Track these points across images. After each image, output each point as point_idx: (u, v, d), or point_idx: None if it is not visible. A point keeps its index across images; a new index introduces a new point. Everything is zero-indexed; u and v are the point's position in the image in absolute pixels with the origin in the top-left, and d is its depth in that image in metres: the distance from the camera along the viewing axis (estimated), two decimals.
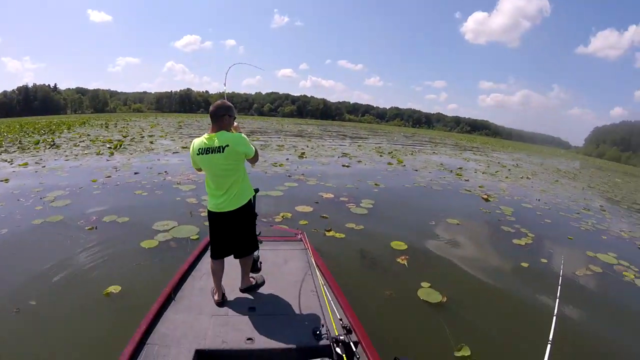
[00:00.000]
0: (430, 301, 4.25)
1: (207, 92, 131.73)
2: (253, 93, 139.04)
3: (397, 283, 4.59)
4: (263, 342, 2.61)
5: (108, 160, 12.56)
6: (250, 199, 3.11)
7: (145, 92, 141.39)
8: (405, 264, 5.18)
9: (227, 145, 2.79)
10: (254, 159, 3.08)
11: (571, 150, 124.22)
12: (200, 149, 2.86)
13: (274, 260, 3.85)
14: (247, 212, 3.09)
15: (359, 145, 25.00)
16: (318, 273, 3.39)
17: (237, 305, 3.06)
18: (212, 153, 2.82)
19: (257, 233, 3.35)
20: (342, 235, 5.74)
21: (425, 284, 4.59)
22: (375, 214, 7.51)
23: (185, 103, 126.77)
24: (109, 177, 9.47)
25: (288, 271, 3.68)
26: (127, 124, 39.06)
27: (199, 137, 2.95)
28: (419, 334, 3.72)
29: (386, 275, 4.77)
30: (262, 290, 3.31)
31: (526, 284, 5.39)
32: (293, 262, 3.88)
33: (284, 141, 23.94)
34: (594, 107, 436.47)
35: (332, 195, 8.40)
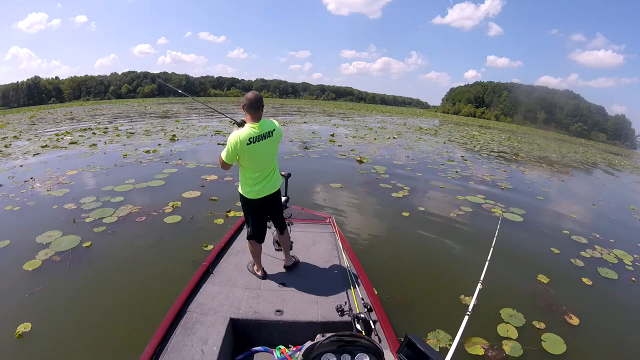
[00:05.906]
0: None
1: (57, 78, 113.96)
2: (108, 74, 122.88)
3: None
4: (291, 315, 3.01)
5: None
6: None
7: None
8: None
9: (274, 129, 3.22)
10: None
11: (430, 109, 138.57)
12: (251, 138, 3.06)
13: (303, 241, 4.29)
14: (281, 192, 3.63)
15: (230, 121, 24.67)
16: (344, 255, 3.85)
17: (269, 281, 3.51)
18: (264, 139, 3.13)
19: (289, 215, 4.13)
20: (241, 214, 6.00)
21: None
22: None
23: (34, 94, 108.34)
24: None
25: (316, 252, 4.11)
26: None
27: (236, 131, 3.10)
28: None
29: None
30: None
31: (408, 228, 6.52)
32: (321, 243, 4.31)
33: (150, 125, 22.49)
34: (450, 71, 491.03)
35: (217, 177, 8.51)
